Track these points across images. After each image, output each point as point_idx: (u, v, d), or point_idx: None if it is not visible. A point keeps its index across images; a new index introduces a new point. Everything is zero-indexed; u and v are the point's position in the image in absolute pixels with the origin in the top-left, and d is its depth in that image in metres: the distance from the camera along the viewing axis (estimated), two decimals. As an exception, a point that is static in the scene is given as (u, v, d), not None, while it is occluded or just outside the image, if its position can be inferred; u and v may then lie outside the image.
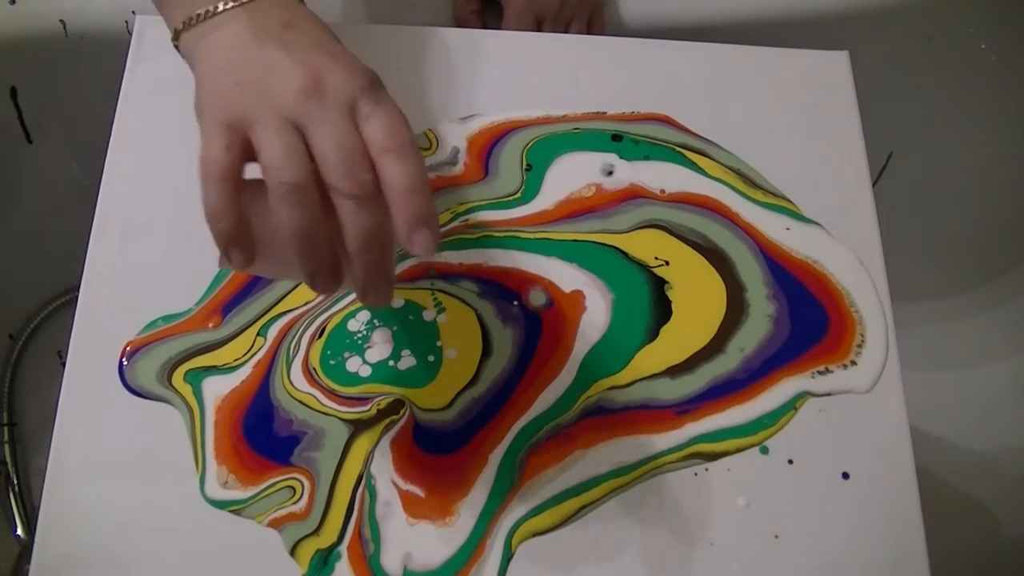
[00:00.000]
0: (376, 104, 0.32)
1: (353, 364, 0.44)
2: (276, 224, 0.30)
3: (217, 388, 0.44)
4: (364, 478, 0.42)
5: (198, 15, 0.34)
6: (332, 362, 0.44)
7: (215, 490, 0.41)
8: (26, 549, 0.74)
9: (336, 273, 0.32)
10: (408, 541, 0.41)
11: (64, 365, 0.44)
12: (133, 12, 0.61)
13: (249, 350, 0.45)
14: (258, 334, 0.45)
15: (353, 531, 0.41)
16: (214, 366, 0.44)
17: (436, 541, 0.41)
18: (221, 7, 0.34)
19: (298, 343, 0.45)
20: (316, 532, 0.41)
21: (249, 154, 0.32)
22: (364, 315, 0.46)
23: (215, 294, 0.46)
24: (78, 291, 0.45)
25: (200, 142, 0.32)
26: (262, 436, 0.43)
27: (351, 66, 0.33)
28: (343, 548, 0.41)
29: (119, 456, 0.42)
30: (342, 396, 0.44)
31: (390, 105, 0.33)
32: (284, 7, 0.35)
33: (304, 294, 0.46)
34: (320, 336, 0.45)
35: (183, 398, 0.43)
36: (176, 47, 0.36)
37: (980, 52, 0.75)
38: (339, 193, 0.30)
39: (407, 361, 0.45)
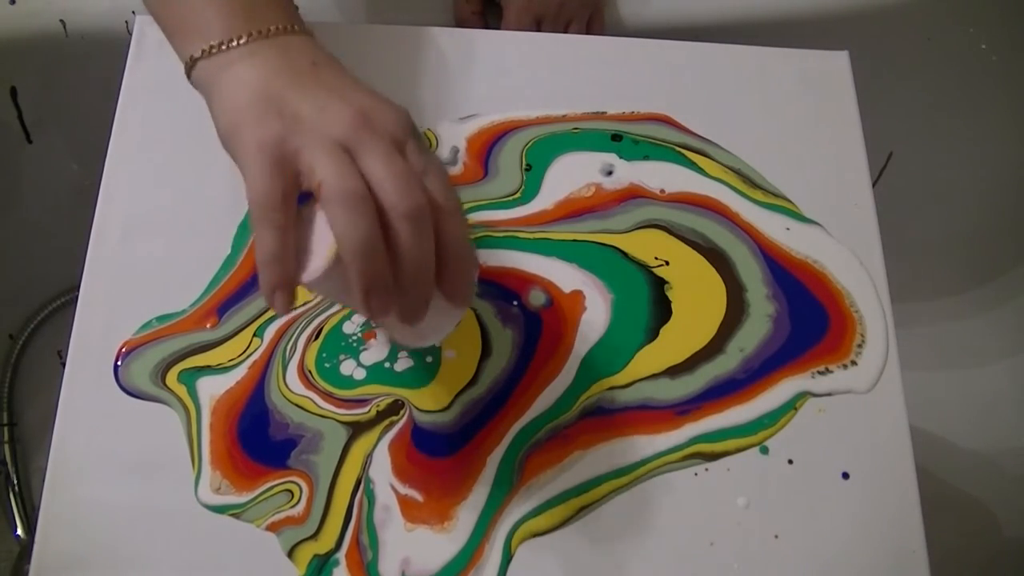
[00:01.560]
0: (427, 156, 0.32)
1: (347, 367, 0.44)
2: (336, 239, 0.30)
3: (212, 388, 0.44)
4: (363, 482, 0.42)
5: (218, 45, 0.34)
6: (327, 365, 0.44)
7: (208, 496, 0.41)
8: (26, 549, 0.74)
9: (391, 293, 0.31)
10: (406, 546, 0.41)
11: (64, 365, 0.44)
12: (133, 12, 0.61)
13: (245, 351, 0.45)
14: (255, 335, 0.45)
15: (351, 538, 0.41)
16: (208, 366, 0.44)
17: (434, 545, 0.41)
18: (244, 39, 0.34)
19: (295, 344, 0.45)
20: (314, 537, 0.41)
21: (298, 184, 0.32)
22: (359, 316, 0.46)
23: (212, 295, 0.46)
24: (78, 291, 0.45)
25: (243, 172, 0.32)
26: (257, 440, 0.43)
27: (392, 106, 0.33)
28: (341, 555, 0.40)
29: (119, 456, 0.42)
30: (339, 399, 0.44)
31: (436, 158, 0.33)
32: (309, 47, 0.35)
33: (303, 295, 0.46)
34: (317, 337, 0.45)
35: (179, 398, 0.43)
36: (188, 75, 0.36)
37: (980, 52, 0.75)
38: (398, 214, 0.30)
39: (404, 363, 0.44)
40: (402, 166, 0.31)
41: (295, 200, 0.31)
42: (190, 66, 0.35)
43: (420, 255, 0.31)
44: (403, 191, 0.30)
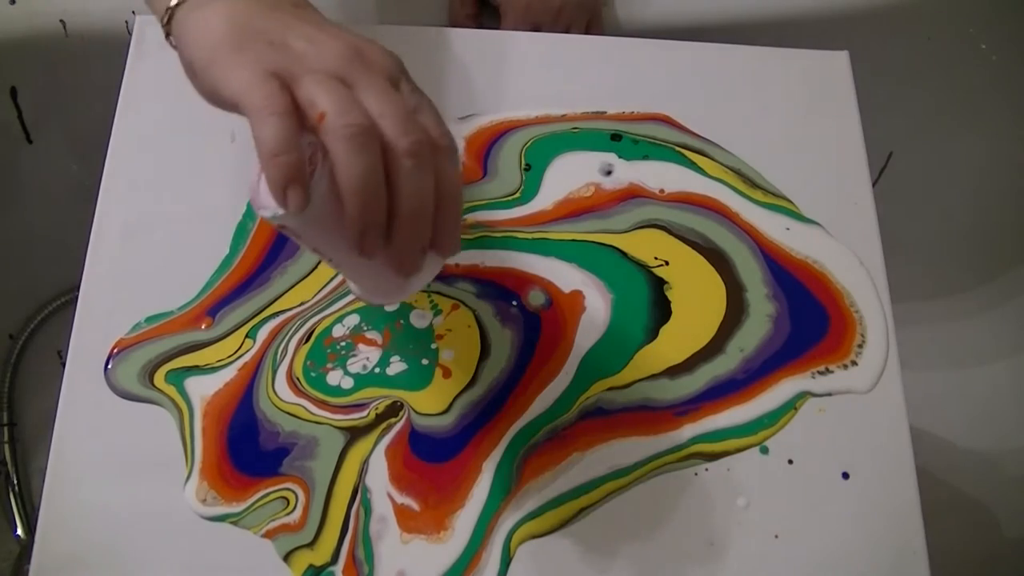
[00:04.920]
0: (420, 94, 0.32)
1: (334, 377, 0.44)
2: (338, 174, 0.28)
3: (202, 388, 0.43)
4: (359, 491, 0.42)
5: None
6: (313, 374, 0.44)
7: (198, 507, 0.41)
8: (26, 549, 0.74)
9: (383, 234, 0.30)
10: (402, 558, 0.41)
11: (64, 365, 0.44)
12: (133, 12, 0.61)
13: (236, 351, 0.44)
14: (247, 336, 0.45)
15: (347, 553, 0.40)
16: (196, 366, 0.44)
17: (431, 555, 0.41)
18: None
19: (285, 347, 0.45)
20: (311, 545, 0.41)
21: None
22: (352, 320, 0.45)
23: (206, 295, 0.45)
24: (78, 291, 0.45)
25: (231, 87, 0.30)
26: (246, 451, 0.42)
27: (381, 46, 0.32)
28: (337, 569, 0.40)
29: (119, 456, 0.42)
30: (334, 405, 0.43)
31: (427, 98, 0.32)
32: None
33: (299, 294, 0.46)
34: (307, 341, 0.45)
35: (170, 398, 0.43)
36: (167, 27, 0.34)
37: (980, 52, 0.75)
38: (400, 151, 0.29)
39: (397, 366, 0.44)
40: (401, 102, 0.30)
41: (295, 109, 0.29)
42: (169, 18, 0.33)
43: (421, 195, 0.29)
44: (405, 127, 0.29)
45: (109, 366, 0.44)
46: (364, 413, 0.43)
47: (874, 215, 0.49)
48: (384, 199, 0.29)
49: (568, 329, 0.45)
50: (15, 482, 0.77)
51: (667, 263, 0.47)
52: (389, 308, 0.46)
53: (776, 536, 0.42)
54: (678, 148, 0.50)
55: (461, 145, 0.50)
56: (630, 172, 0.50)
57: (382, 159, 0.29)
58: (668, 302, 0.46)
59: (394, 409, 0.43)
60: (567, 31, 0.62)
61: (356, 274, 0.36)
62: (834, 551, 0.42)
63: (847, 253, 0.48)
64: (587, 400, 0.44)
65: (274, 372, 0.44)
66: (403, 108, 0.30)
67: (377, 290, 0.36)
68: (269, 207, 0.29)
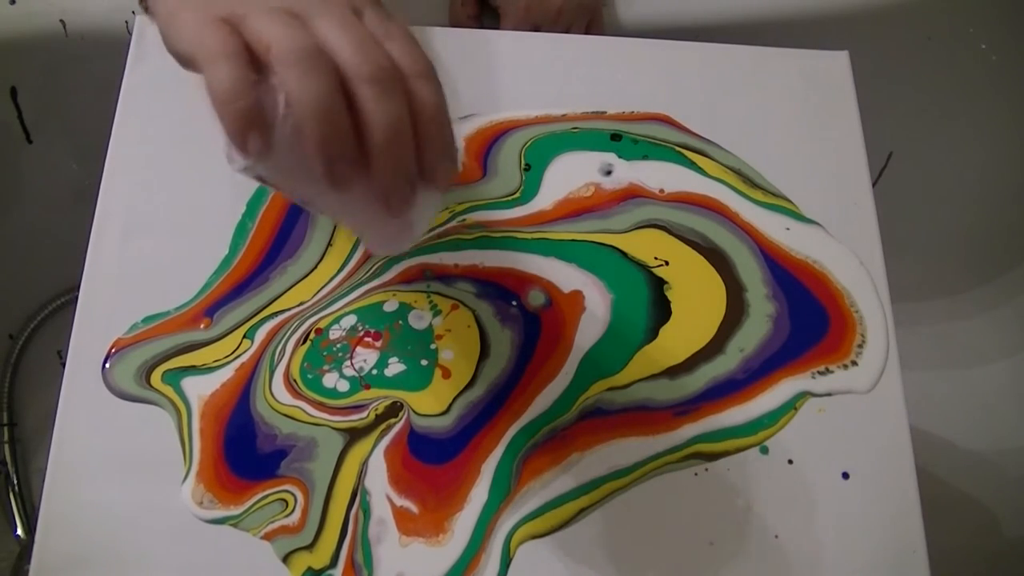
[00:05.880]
0: (390, 21, 0.30)
1: (330, 379, 0.44)
2: (292, 104, 0.27)
3: (199, 388, 0.43)
4: (358, 494, 0.42)
5: None
6: (309, 376, 0.44)
7: (195, 509, 0.41)
8: (26, 549, 0.74)
9: (357, 163, 0.28)
10: (400, 562, 0.40)
11: (64, 365, 0.44)
12: (133, 12, 0.61)
13: (233, 352, 0.44)
14: (245, 336, 0.45)
15: (346, 557, 0.40)
16: (193, 366, 0.44)
17: (430, 558, 0.40)
18: None
19: (283, 348, 0.45)
20: (310, 548, 0.41)
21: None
22: (349, 321, 0.45)
23: (205, 296, 0.45)
24: (78, 291, 0.45)
25: (185, 45, 0.29)
26: (243, 454, 0.42)
27: None
28: (336, 572, 0.40)
29: (119, 456, 0.42)
30: (332, 407, 0.43)
31: (402, 24, 0.31)
32: None
33: (298, 295, 0.46)
34: (305, 342, 0.45)
35: (168, 398, 0.43)
36: (143, 3, 0.34)
37: (980, 52, 0.75)
38: (360, 78, 0.28)
39: (395, 367, 0.44)
40: (360, 29, 0.29)
41: (246, 51, 0.28)
42: None
43: (391, 122, 0.28)
44: (364, 54, 0.28)
45: (107, 366, 0.44)
46: (363, 414, 0.43)
47: (874, 215, 0.49)
48: (346, 124, 0.28)
49: (568, 329, 0.45)
50: (15, 482, 0.77)
51: (667, 263, 0.47)
52: (388, 308, 0.46)
53: (776, 536, 0.42)
54: (678, 148, 0.50)
55: (461, 145, 0.50)
56: (630, 172, 0.50)
57: (339, 84, 0.28)
58: (668, 302, 0.46)
59: (394, 410, 0.43)
60: (567, 31, 0.62)
61: (354, 221, 0.34)
62: (834, 551, 0.42)
63: (847, 253, 0.48)
64: (587, 400, 0.44)
65: (271, 373, 0.44)
66: (361, 34, 0.28)
67: (382, 238, 0.35)
68: (236, 159, 0.28)
